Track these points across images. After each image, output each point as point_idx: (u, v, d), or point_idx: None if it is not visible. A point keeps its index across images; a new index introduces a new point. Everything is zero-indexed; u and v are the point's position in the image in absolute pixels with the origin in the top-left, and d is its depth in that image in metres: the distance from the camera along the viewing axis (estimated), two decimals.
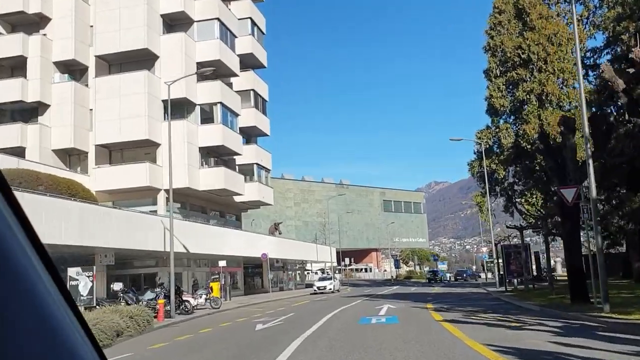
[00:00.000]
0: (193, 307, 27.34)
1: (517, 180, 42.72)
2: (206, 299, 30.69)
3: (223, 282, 40.35)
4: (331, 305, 28.24)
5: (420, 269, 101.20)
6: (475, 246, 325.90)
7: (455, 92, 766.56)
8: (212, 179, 41.70)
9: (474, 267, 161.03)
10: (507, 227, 39.55)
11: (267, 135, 51.96)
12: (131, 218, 32.22)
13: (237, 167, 47.44)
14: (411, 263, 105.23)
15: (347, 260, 76.41)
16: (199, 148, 42.06)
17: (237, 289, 51.18)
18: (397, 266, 75.88)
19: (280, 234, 61.55)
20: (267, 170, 50.80)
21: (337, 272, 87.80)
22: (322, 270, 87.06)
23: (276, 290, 58.59)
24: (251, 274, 58.05)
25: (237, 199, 47.22)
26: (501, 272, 41.92)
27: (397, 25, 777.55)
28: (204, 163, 43.25)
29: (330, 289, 47.24)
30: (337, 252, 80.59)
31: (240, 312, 27.30)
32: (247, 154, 47.92)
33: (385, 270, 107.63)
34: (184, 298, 27.20)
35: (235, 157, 46.86)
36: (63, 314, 0.96)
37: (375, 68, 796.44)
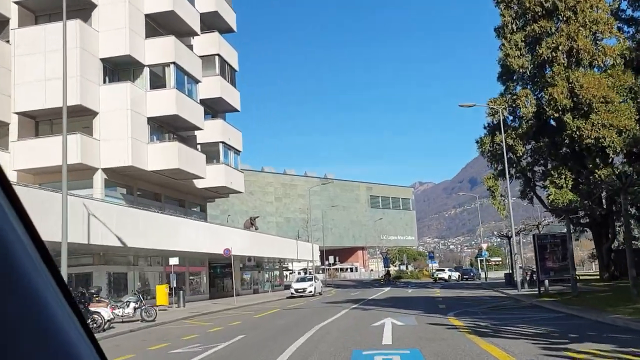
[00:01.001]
0: (108, 321, 18.44)
1: (538, 159, 34.23)
2: (136, 309, 21.76)
3: (174, 285, 31.47)
4: (307, 317, 19.54)
5: (408, 268, 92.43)
6: (459, 246, 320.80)
7: (439, 94, 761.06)
8: (163, 157, 32.79)
9: (463, 266, 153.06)
10: (550, 209, 31.03)
11: (237, 111, 43.13)
12: (40, 197, 23.13)
13: (199, 146, 38.60)
14: (397, 262, 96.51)
15: (331, 258, 67.59)
16: (148, 119, 33.19)
17: (201, 292, 42.28)
18: (387, 265, 67.36)
19: (256, 229, 52.68)
20: (237, 151, 41.93)
21: (320, 271, 79.09)
22: (305, 270, 78.44)
23: (249, 293, 49.75)
24: (220, 275, 49.06)
25: (198, 184, 38.33)
26: (530, 269, 33.56)
27: (395, 24, 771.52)
28: (156, 138, 34.37)
29: (311, 292, 38.54)
30: (321, 251, 71.88)
31: (174, 330, 18.47)
32: (211, 130, 39.07)
33: (372, 270, 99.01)
34: (93, 308, 18.28)
35: (195, 132, 38.01)
36: (64, 313, 0.92)
37: (359, 70, 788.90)
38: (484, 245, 59.50)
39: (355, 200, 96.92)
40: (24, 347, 0.80)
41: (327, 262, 70.90)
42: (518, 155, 33.17)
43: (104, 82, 32.18)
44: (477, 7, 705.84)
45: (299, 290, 38.70)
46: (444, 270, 70.06)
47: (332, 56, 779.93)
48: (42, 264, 0.92)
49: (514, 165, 34.70)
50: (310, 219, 76.13)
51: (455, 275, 67.08)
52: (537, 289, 26.62)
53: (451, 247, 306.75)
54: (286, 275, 67.97)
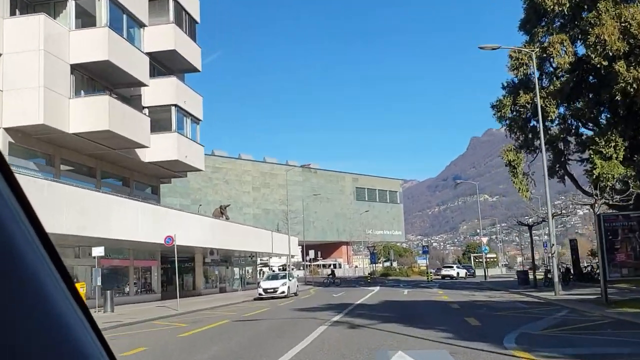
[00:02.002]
0: None
1: (572, 125, 26.40)
2: None
3: (99, 283, 23.19)
4: (256, 344, 11.45)
5: (393, 265, 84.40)
6: (441, 243, 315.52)
7: (423, 92, 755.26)
8: (89, 115, 24.45)
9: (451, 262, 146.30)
10: (589, 190, 23.18)
11: (198, 71, 34.85)
12: None
13: (146, 110, 30.37)
14: (382, 259, 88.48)
15: (311, 253, 59.48)
16: (73, 67, 24.86)
17: (152, 291, 34.03)
18: (374, 261, 59.46)
19: (227, 219, 44.43)
20: (196, 119, 33.63)
21: (301, 268, 70.92)
22: (284, 267, 70.41)
23: (214, 292, 41.53)
24: (181, 271, 40.81)
25: (144, 157, 30.05)
26: (563, 266, 25.95)
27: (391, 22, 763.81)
28: (85, 95, 26.05)
29: (283, 292, 30.48)
30: (303, 245, 63.83)
31: None
32: (162, 91, 30.82)
33: (356, 266, 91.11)
34: None
35: (141, 93, 29.78)
36: (71, 310, 0.88)
37: (345, 67, 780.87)
38: (484, 239, 51.62)
39: (340, 192, 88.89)
40: (33, 343, 0.77)
41: (307, 258, 62.82)
42: (550, 118, 25.25)
43: (12, 14, 23.81)
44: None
45: (269, 291, 30.57)
46: (452, 266, 63.24)
47: (320, 52, 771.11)
48: (48, 258, 0.87)
49: (539, 133, 26.81)
50: (289, 211, 68.10)
51: (463, 272, 60.45)
52: (571, 291, 18.86)
53: (434, 244, 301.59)
54: (263, 272, 59.68)
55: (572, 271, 32.38)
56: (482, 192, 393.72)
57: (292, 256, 68.06)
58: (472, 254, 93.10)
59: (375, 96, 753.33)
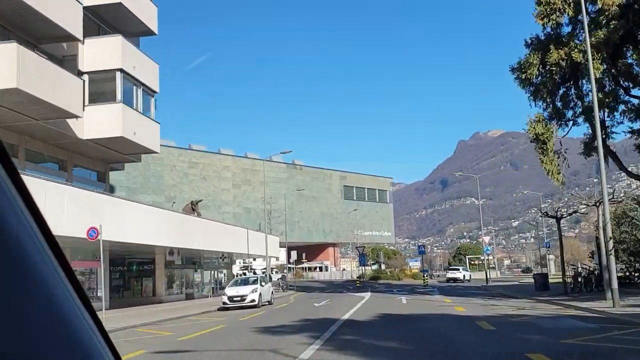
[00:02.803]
0: None
1: (624, 85, 20.54)
2: None
3: None
4: None
5: (382, 267, 78.33)
6: (429, 246, 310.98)
7: (406, 92, 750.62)
8: None
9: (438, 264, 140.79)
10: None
11: (153, 34, 28.66)
12: None
13: (85, 76, 24.18)
14: (371, 261, 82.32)
15: (293, 254, 53.24)
16: None
17: (95, 299, 27.59)
18: (363, 263, 53.46)
19: (199, 215, 38.22)
20: (150, 91, 27.36)
21: (285, 270, 64.60)
22: (271, 269, 64.47)
23: (180, 298, 35.24)
24: (138, 274, 34.53)
25: (81, 132, 23.79)
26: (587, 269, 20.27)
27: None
28: None
29: (253, 301, 24.33)
30: (287, 247, 57.68)
31: None
32: (103, 51, 24.58)
33: (344, 269, 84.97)
34: None
35: (77, 49, 23.58)
36: (76, 311, 0.88)
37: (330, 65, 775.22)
38: (486, 239, 45.68)
39: (326, 190, 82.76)
40: (40, 345, 0.76)
41: (291, 260, 56.65)
42: (594, 77, 19.28)
43: None
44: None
45: (235, 299, 24.34)
46: (458, 269, 57.89)
47: (304, 49, 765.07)
48: (54, 258, 0.85)
49: (572, 101, 20.99)
50: (272, 210, 61.94)
51: (468, 275, 55.38)
52: (628, 301, 12.90)
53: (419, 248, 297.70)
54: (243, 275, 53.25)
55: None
56: (469, 195, 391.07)
57: (276, 258, 61.89)
58: (466, 256, 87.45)
59: (364, 96, 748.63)
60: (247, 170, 72.51)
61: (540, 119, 20.95)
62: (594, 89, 16.60)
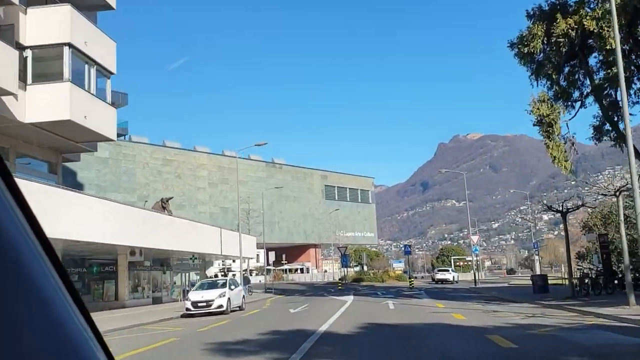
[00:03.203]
0: None
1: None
2: None
3: None
4: None
5: (364, 268, 75.50)
6: (409, 248, 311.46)
7: (397, 94, 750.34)
8: None
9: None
10: None
11: (111, 9, 25.38)
12: None
13: (29, 51, 20.93)
14: (353, 262, 79.44)
15: (272, 255, 49.97)
16: None
17: None
18: (345, 263, 50.53)
19: (170, 213, 34.99)
20: (105, 71, 24.10)
21: (265, 272, 61.37)
22: (246, 272, 61.10)
23: (146, 303, 31.88)
24: (99, 276, 31.13)
25: (22, 115, 20.50)
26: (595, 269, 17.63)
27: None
28: None
29: (221, 306, 21.24)
30: (266, 248, 54.43)
31: None
32: (49, 23, 21.34)
33: (326, 271, 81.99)
34: None
35: (17, 18, 20.31)
36: (70, 313, 0.87)
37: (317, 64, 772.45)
38: (475, 238, 42.88)
39: (307, 190, 79.66)
40: (33, 349, 0.76)
41: (269, 261, 53.43)
42: (608, 48, 16.60)
43: None
44: None
45: (200, 305, 21.21)
46: (447, 270, 55.73)
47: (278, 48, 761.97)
48: (49, 263, 0.86)
49: (579, 80, 18.30)
50: (250, 209, 58.76)
51: (456, 276, 53.23)
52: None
53: (403, 249, 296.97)
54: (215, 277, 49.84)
55: (612, 275, 23.83)
56: (449, 197, 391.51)
57: (252, 259, 58.69)
58: (451, 257, 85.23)
59: (346, 98, 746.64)
60: (224, 169, 69.14)
61: (545, 99, 18.22)
62: (619, 51, 13.84)
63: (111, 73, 24.58)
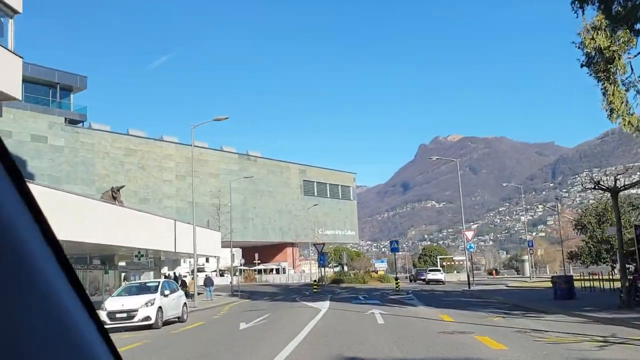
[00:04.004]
0: None
1: None
2: None
3: None
4: None
5: (345, 268, 69.93)
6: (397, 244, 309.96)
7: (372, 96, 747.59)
8: None
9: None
10: None
11: None
12: None
13: None
14: (333, 263, 73.82)
15: (238, 253, 44.16)
16: None
17: None
18: (323, 262, 44.96)
19: (121, 204, 28.97)
20: (8, 9, 18.07)
21: (237, 273, 55.34)
22: (222, 272, 55.90)
23: None
24: None
25: None
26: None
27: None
28: None
29: (148, 318, 15.45)
30: (232, 247, 48.52)
31: None
32: None
33: (303, 271, 76.11)
34: None
35: None
36: (78, 312, 0.88)
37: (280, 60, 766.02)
38: (469, 234, 37.50)
39: (284, 185, 73.78)
40: (39, 344, 0.76)
41: (239, 261, 47.54)
42: None
43: None
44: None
45: (119, 316, 15.35)
46: (439, 270, 51.55)
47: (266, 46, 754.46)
48: (58, 264, 0.86)
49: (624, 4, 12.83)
50: (220, 204, 52.72)
51: (444, 276, 49.50)
52: None
53: (383, 249, 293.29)
54: (183, 277, 43.59)
55: None
56: (429, 198, 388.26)
57: (196, 257, 52.68)
58: (435, 257, 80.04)
59: (329, 98, 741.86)
60: (193, 160, 62.85)
61: (603, 26, 12.74)
62: None
63: (16, 11, 18.53)
